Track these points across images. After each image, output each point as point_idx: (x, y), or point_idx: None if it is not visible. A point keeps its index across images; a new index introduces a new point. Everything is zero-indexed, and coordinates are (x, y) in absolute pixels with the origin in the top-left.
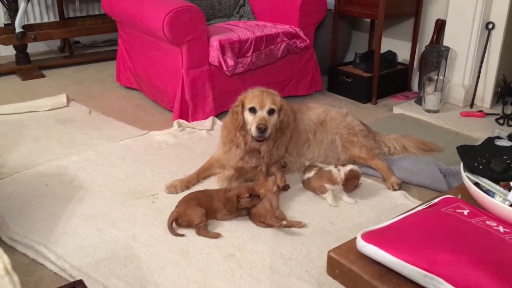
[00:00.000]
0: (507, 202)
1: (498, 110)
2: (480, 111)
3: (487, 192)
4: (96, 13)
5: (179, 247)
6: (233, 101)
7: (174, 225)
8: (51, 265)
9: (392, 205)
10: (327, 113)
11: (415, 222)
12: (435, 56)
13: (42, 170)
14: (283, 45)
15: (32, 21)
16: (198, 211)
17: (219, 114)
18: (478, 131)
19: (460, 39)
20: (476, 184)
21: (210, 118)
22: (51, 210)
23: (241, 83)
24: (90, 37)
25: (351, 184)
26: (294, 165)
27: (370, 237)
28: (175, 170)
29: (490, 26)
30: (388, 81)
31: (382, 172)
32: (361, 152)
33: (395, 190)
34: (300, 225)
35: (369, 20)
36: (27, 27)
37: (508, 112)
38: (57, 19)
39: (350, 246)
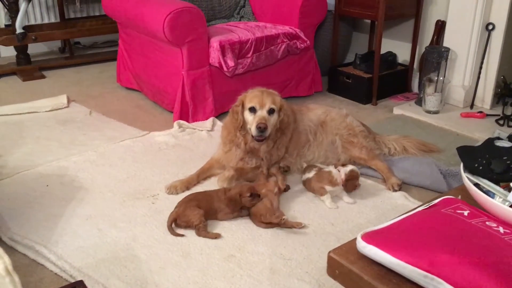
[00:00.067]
0: (507, 203)
1: (498, 111)
2: (480, 112)
3: (487, 193)
4: (97, 14)
5: (179, 248)
6: (234, 102)
7: (173, 226)
8: (52, 265)
9: (392, 206)
10: (327, 114)
11: (415, 223)
12: (435, 57)
13: (42, 171)
14: (283, 46)
15: (32, 22)
16: (197, 212)
17: (220, 115)
18: (478, 132)
19: (460, 40)
20: (476, 185)
21: (211, 119)
22: (52, 210)
23: (241, 84)
24: (90, 38)
25: (351, 184)
26: (294, 166)
27: (370, 238)
28: (175, 170)
29: (490, 27)
30: (388, 82)
31: (382, 173)
32: (361, 153)
33: (395, 191)
34: (300, 226)
35: (369, 21)
36: (27, 28)
37: (508, 113)
38: (58, 20)
39: (350, 247)
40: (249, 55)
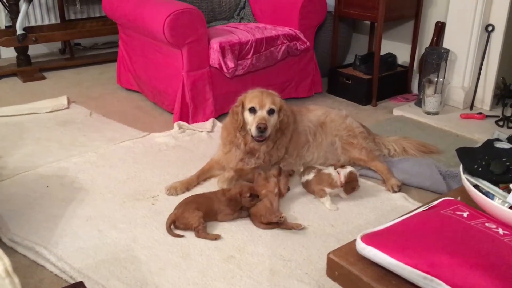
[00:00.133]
0: (506, 204)
1: (498, 112)
2: (480, 113)
3: (486, 194)
4: (97, 15)
5: (179, 249)
6: (234, 103)
7: (172, 227)
8: (52, 266)
9: (392, 207)
10: (327, 115)
11: (414, 224)
12: (435, 58)
13: (42, 172)
14: (283, 47)
15: (33, 23)
16: (196, 214)
17: (220, 116)
18: (477, 133)
19: (460, 41)
20: (476, 186)
21: (211, 120)
22: (52, 211)
23: (241, 85)
24: (90, 39)
25: (350, 186)
26: (294, 167)
27: (369, 239)
28: (175, 172)
29: (490, 28)
30: (388, 83)
31: (382, 174)
32: (361, 154)
33: (395, 192)
34: (300, 227)
35: (369, 22)
36: (28, 29)
37: (507, 114)
38: (58, 21)
39: (350, 248)
40: (249, 56)
